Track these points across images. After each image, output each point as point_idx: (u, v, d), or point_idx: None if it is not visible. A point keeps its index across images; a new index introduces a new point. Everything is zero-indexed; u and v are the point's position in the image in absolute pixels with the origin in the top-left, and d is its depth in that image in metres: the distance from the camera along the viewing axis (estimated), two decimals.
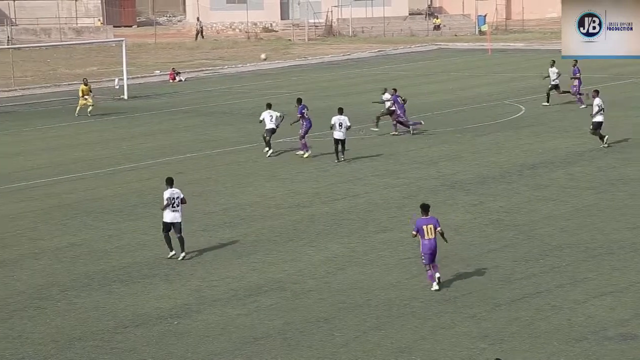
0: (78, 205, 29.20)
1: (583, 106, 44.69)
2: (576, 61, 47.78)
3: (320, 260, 23.12)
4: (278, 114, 35.57)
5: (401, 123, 39.05)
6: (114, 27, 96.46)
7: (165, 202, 23.20)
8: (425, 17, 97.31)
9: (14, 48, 70.95)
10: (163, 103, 51.78)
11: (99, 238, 25.55)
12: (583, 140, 36.43)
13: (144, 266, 23.02)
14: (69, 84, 59.90)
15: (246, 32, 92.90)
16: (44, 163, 35.87)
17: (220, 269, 22.70)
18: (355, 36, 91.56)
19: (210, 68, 69.02)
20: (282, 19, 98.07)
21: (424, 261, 20.75)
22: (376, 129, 39.50)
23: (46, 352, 18.14)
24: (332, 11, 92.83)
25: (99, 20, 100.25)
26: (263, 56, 67.36)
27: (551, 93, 46.04)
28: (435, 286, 20.66)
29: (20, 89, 57.83)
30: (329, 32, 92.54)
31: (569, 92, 45.99)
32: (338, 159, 34.14)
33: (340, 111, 34.44)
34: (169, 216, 23.20)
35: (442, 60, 71.50)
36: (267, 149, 35.62)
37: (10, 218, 27.87)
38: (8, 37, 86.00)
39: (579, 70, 45.35)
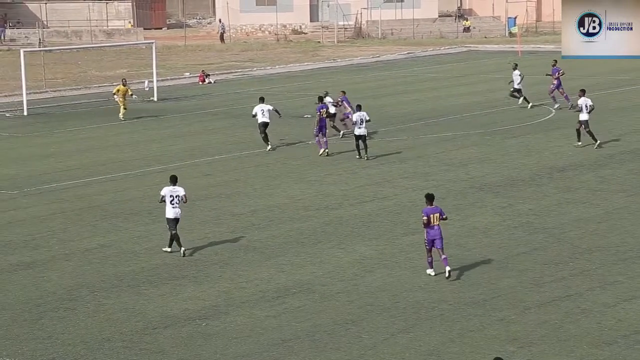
0: (108, 206, 29.35)
1: (557, 105, 44.62)
2: (556, 61, 47.34)
3: (348, 263, 23.12)
4: (271, 108, 36.73)
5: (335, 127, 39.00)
6: (144, 29, 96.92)
7: (160, 199, 24.08)
8: (455, 19, 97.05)
9: (45, 50, 71.42)
10: (192, 105, 51.95)
11: (128, 239, 25.67)
12: (613, 143, 36.22)
13: (173, 267, 23.11)
14: (99, 86, 60.23)
15: (275, 34, 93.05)
16: (75, 165, 36.08)
17: (249, 270, 22.75)
18: (384, 38, 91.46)
19: (239, 70, 69.19)
20: (311, 21, 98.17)
21: (427, 246, 21.58)
22: (339, 135, 39.20)
23: (76, 352, 18.24)
24: (361, 13, 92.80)
25: (130, 22, 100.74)
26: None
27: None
28: (432, 272, 21.68)
29: (51, 91, 58.17)
30: (358, 34, 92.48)
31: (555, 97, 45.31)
32: (360, 155, 34.53)
33: (359, 108, 34.89)
34: (171, 212, 23.90)
35: (471, 62, 71.27)
36: (268, 146, 36.69)
37: (41, 219, 28.06)
38: (39, 39, 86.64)
39: (558, 70, 45.01)
